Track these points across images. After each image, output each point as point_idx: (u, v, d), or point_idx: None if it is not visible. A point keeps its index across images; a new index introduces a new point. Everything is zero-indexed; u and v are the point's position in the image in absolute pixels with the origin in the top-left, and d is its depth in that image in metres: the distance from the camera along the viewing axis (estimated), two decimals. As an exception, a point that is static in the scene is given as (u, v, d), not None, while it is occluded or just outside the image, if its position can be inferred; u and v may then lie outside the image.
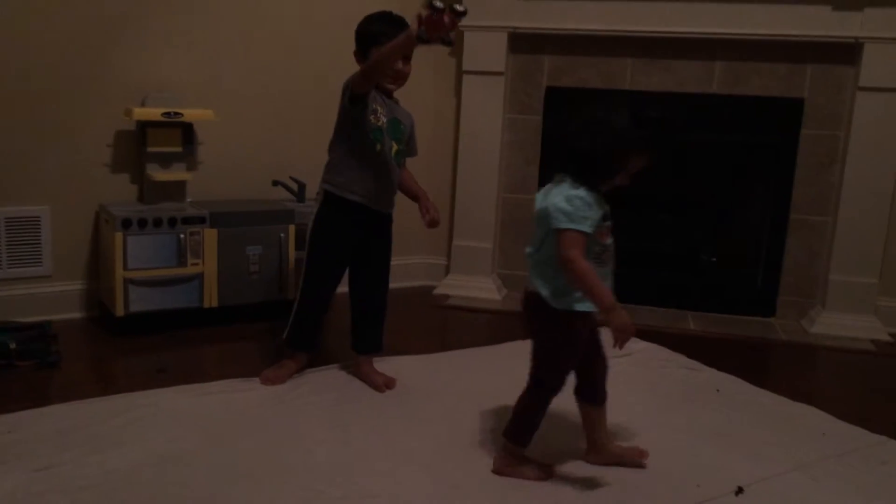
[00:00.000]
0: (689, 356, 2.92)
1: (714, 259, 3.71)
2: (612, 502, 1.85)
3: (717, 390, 2.59)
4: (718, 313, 3.50)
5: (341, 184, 2.41)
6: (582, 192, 1.83)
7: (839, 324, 3.30)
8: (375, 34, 2.33)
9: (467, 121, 3.67)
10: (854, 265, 3.33)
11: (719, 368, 2.79)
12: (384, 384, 2.49)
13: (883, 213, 3.32)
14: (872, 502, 1.91)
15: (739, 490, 1.93)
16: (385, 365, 2.66)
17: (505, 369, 2.72)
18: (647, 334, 3.17)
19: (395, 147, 2.45)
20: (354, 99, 2.31)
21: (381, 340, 2.61)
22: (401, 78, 2.42)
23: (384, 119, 2.40)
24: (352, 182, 2.40)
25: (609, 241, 1.92)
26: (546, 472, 1.97)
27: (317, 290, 2.51)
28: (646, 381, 2.67)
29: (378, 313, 2.60)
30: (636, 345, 3.05)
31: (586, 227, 1.81)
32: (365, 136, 2.36)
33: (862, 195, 3.31)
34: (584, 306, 1.87)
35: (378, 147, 2.38)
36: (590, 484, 1.94)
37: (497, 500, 1.84)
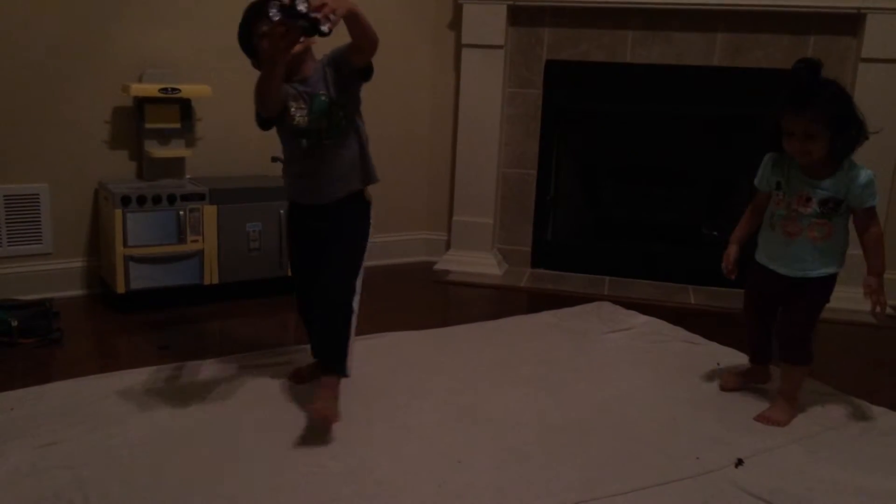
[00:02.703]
0: (690, 330, 2.93)
1: (716, 233, 3.70)
2: (612, 475, 1.87)
3: (718, 364, 2.59)
4: (720, 287, 3.50)
5: (286, 183, 2.20)
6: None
7: (840, 297, 3.26)
8: (246, 40, 2.09)
9: (467, 95, 3.65)
10: (855, 238, 3.31)
11: (719, 342, 2.79)
12: (319, 412, 1.93)
13: (885, 185, 3.31)
14: (871, 474, 1.92)
15: (739, 462, 1.94)
16: (387, 340, 2.67)
17: (506, 344, 2.74)
18: (647, 308, 3.18)
19: (325, 123, 2.05)
20: (265, 124, 2.09)
21: (337, 358, 2.00)
22: (299, 69, 2.05)
23: (303, 112, 2.04)
24: (288, 180, 2.18)
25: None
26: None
27: (297, 295, 2.30)
28: (646, 355, 2.68)
29: (325, 314, 2.04)
30: (636, 319, 3.06)
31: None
32: (290, 139, 2.11)
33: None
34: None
35: (304, 142, 2.07)
36: (588, 455, 1.95)
37: (499, 475, 1.85)
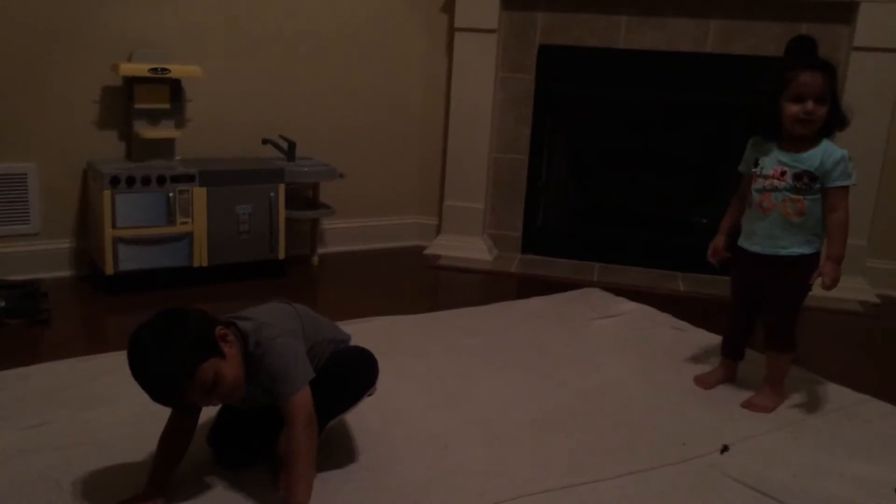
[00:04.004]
0: (677, 316, 2.94)
1: (705, 220, 3.71)
2: (599, 460, 1.88)
3: (705, 350, 2.61)
4: (708, 274, 3.52)
5: None
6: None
7: (827, 285, 3.32)
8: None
9: (459, 79, 3.63)
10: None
11: (707, 329, 2.81)
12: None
13: (874, 174, 3.32)
14: (855, 459, 1.94)
15: (725, 448, 1.96)
16: (376, 324, 2.67)
17: (495, 329, 2.75)
18: (635, 294, 3.19)
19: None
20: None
21: None
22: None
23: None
24: None
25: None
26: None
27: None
28: (634, 342, 2.69)
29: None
30: (625, 305, 3.07)
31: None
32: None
33: (853, 156, 3.29)
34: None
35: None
36: (575, 441, 1.97)
37: (486, 459, 1.86)
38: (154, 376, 1.49)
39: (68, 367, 2.23)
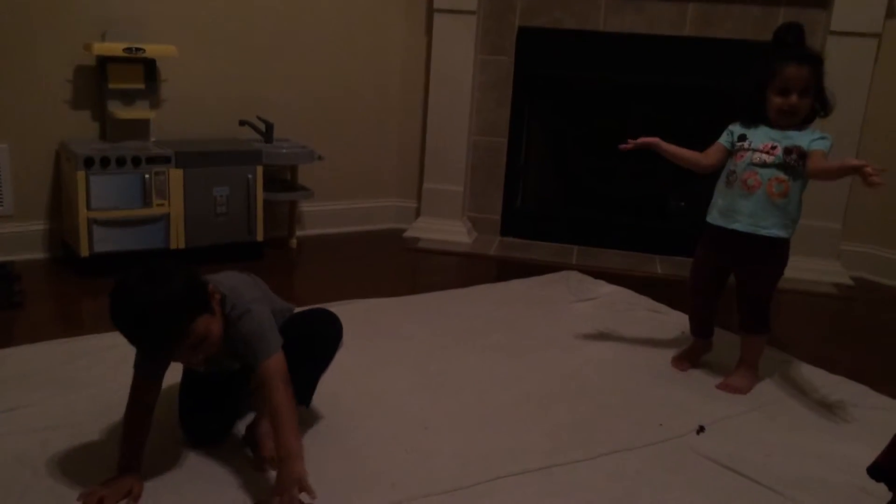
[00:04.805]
0: (656, 299, 2.96)
1: (683, 203, 3.73)
2: (576, 441, 1.89)
3: (682, 332, 2.63)
4: (686, 257, 3.54)
5: None
6: None
7: (803, 268, 3.35)
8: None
9: (438, 61, 3.61)
10: (819, 210, 3.37)
11: (684, 311, 2.82)
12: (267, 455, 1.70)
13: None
14: (828, 441, 1.97)
15: (701, 429, 1.98)
16: (356, 307, 2.66)
17: (474, 312, 2.75)
18: (613, 277, 3.21)
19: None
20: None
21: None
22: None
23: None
24: None
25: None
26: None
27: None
28: (611, 324, 2.71)
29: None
30: (603, 288, 3.08)
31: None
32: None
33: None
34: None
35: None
36: (553, 422, 1.98)
37: (466, 440, 1.87)
38: (155, 322, 1.47)
39: (43, 350, 2.20)
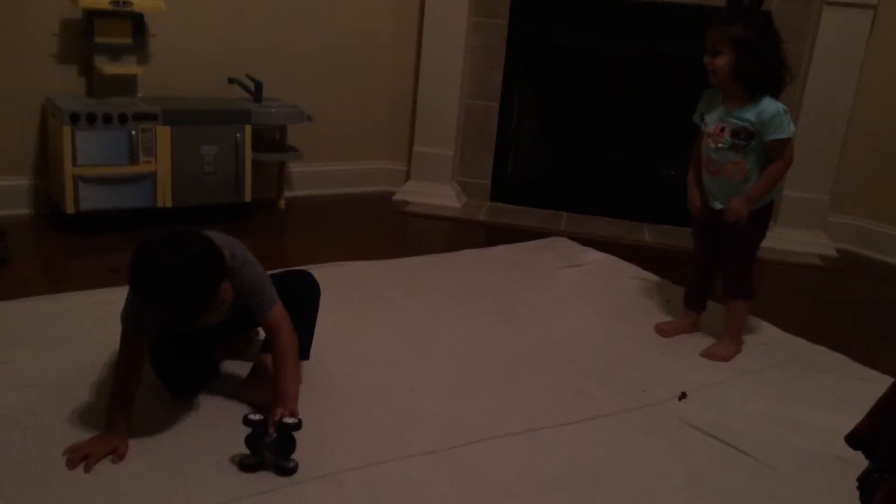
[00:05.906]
0: (643, 267, 2.97)
1: (673, 172, 3.73)
2: (560, 406, 1.91)
3: (668, 300, 2.65)
4: (675, 226, 3.55)
5: None
6: None
7: (789, 239, 3.37)
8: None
9: (431, 23, 3.56)
10: (807, 181, 3.38)
11: (671, 280, 2.85)
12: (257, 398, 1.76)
13: (839, 130, 3.35)
14: (809, 409, 2.00)
15: (683, 395, 2.01)
16: (344, 269, 2.66)
17: (461, 277, 2.76)
18: (601, 244, 3.22)
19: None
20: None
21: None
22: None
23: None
24: None
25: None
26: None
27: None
28: (598, 291, 2.72)
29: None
30: (591, 255, 3.09)
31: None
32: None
33: (820, 112, 3.33)
34: None
35: None
36: (538, 387, 2.00)
37: (451, 404, 1.88)
38: (189, 292, 1.48)
39: (28, 306, 2.19)
